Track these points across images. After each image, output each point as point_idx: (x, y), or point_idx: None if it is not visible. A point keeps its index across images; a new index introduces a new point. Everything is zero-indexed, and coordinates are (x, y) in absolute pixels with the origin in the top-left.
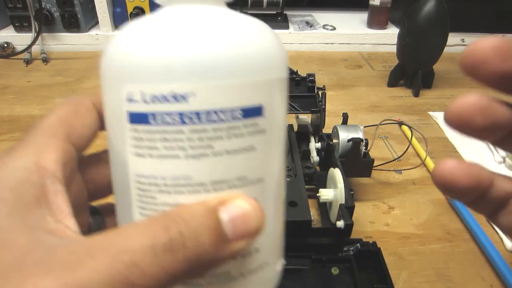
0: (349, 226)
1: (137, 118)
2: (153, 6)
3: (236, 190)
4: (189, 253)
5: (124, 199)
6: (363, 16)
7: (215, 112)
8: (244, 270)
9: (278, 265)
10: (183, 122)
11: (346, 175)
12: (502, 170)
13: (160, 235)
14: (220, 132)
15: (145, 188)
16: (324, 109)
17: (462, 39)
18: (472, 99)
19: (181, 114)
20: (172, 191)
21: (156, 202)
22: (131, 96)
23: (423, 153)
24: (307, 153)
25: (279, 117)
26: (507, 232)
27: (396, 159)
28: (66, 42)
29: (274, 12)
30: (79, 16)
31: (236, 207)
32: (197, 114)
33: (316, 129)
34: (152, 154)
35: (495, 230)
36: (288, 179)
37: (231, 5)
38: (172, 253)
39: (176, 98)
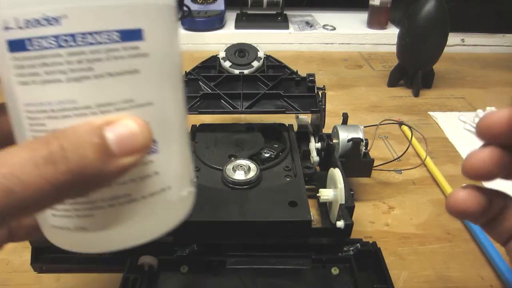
0: (349, 226)
1: (15, 46)
2: None
3: (124, 112)
4: (71, 165)
5: (19, 131)
6: (363, 16)
7: (91, 34)
8: (145, 192)
9: (184, 191)
10: (60, 46)
11: (346, 175)
12: None
13: (40, 149)
14: (99, 54)
15: (35, 116)
16: (324, 109)
17: (462, 39)
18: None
19: (56, 37)
20: (60, 116)
21: (46, 129)
22: (6, 24)
23: (423, 153)
24: (307, 153)
25: (165, 42)
26: None
27: (396, 159)
28: None
29: (274, 12)
30: None
31: (122, 125)
32: (73, 36)
33: (316, 129)
34: (35, 80)
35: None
36: (288, 179)
37: (231, 5)
38: (54, 164)
39: (49, 21)
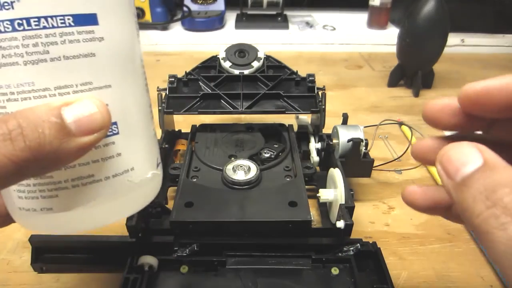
0: (349, 226)
1: None
2: (153, 6)
3: (83, 95)
4: (30, 143)
5: None
6: (363, 16)
7: (45, 18)
8: (108, 173)
9: (148, 173)
10: (15, 29)
11: (346, 175)
12: None
13: None
14: (54, 38)
15: None
16: (324, 109)
17: (462, 39)
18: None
19: (11, 21)
20: (20, 98)
21: (6, 111)
22: None
23: None
24: (307, 153)
25: (121, 27)
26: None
27: (396, 159)
28: None
29: (274, 13)
30: None
31: (80, 106)
32: (27, 20)
33: (316, 129)
34: None
35: None
36: (288, 179)
37: (231, 5)
38: (12, 141)
39: (3, 5)
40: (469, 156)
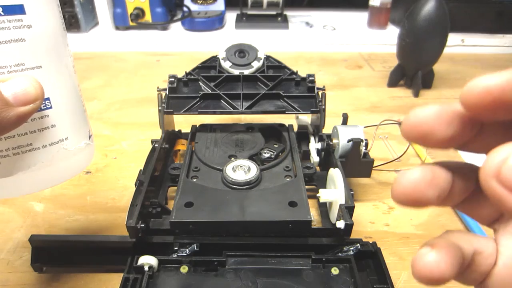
0: (349, 226)
1: None
2: (153, 6)
3: (16, 74)
4: None
5: None
6: (363, 16)
7: None
8: (45, 142)
9: (81, 142)
10: None
11: (346, 175)
12: None
13: None
14: None
15: None
16: (324, 109)
17: (462, 39)
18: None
19: None
20: None
21: None
22: None
23: (423, 154)
24: (307, 153)
25: (46, 15)
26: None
27: (396, 159)
28: None
29: (274, 13)
30: (79, 16)
31: (15, 81)
32: None
33: (316, 129)
34: None
35: None
36: (288, 179)
37: (231, 6)
38: None
39: None
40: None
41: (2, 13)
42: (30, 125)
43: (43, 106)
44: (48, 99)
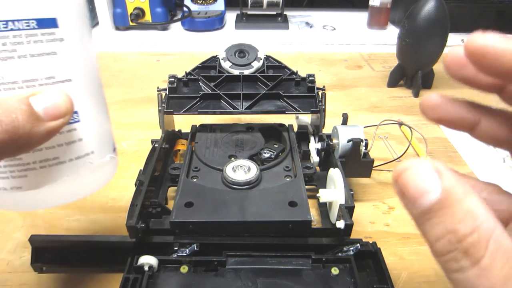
0: (349, 226)
1: None
2: (153, 6)
3: (47, 87)
4: (6, 126)
5: None
6: (363, 16)
7: (12, 22)
8: (72, 156)
9: (106, 156)
10: None
11: (346, 175)
12: (503, 170)
13: None
14: (20, 39)
15: None
16: (324, 109)
17: (462, 40)
18: (429, 98)
19: None
20: None
21: None
22: None
23: (423, 154)
24: (307, 153)
25: (78, 29)
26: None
27: (396, 159)
28: None
29: (274, 13)
30: None
31: (46, 95)
32: None
33: (316, 129)
34: None
35: None
36: (288, 179)
37: (231, 6)
38: None
39: None
40: (427, 184)
41: (36, 26)
42: (58, 138)
43: (71, 120)
44: (76, 112)
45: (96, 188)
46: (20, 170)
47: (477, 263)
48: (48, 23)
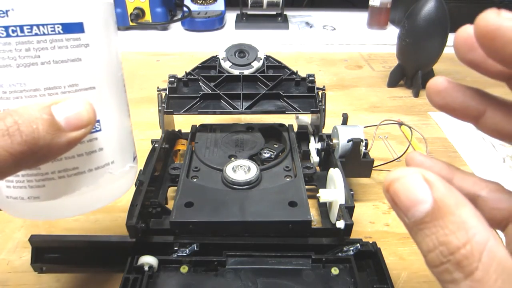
0: (349, 226)
1: None
2: (153, 6)
3: (69, 95)
4: (26, 137)
5: None
6: (363, 16)
7: (37, 26)
8: (91, 166)
9: (126, 166)
10: (9, 35)
11: (346, 175)
12: (503, 170)
13: None
14: (44, 44)
15: None
16: (324, 109)
17: None
18: (436, 81)
19: (5, 28)
20: (12, 97)
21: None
22: None
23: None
24: (307, 153)
25: (104, 34)
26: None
27: (396, 159)
28: None
29: (274, 13)
30: None
31: (68, 104)
32: (20, 27)
33: (316, 129)
34: None
35: (495, 230)
36: (288, 179)
37: (231, 6)
38: (10, 136)
39: None
40: (418, 194)
41: (61, 31)
42: (78, 148)
43: (93, 129)
44: (98, 121)
45: (114, 197)
46: (38, 180)
47: (470, 276)
48: (74, 28)
